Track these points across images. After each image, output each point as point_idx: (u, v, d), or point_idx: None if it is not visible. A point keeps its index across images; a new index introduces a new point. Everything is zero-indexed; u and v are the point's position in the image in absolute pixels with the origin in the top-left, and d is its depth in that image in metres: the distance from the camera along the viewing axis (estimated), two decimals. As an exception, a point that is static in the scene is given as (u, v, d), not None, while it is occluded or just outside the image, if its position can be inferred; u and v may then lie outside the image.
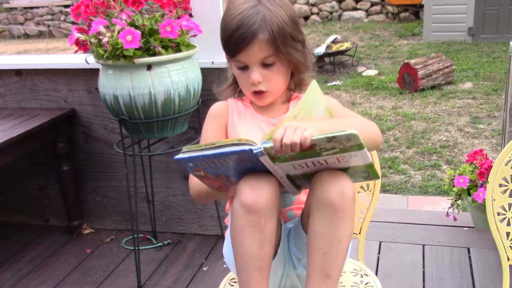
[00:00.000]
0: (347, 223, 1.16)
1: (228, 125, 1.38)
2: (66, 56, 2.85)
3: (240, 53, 1.24)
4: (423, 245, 2.45)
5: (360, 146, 1.05)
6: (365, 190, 1.59)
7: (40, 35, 13.25)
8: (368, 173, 1.16)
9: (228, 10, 1.26)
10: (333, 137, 1.04)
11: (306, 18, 12.07)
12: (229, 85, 1.41)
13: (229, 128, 1.37)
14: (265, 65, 1.26)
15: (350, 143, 1.05)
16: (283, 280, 1.36)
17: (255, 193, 1.14)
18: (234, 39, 1.23)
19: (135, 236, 2.31)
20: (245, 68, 1.28)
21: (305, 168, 1.15)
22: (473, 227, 2.60)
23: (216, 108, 1.41)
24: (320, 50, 7.35)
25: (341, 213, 1.14)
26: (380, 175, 1.20)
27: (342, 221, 1.15)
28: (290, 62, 1.28)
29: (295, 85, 1.37)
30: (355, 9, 11.90)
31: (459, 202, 2.59)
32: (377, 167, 1.58)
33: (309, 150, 1.08)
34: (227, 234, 1.32)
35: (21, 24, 13.69)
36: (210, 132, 1.38)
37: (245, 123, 1.36)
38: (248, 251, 1.16)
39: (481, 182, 2.41)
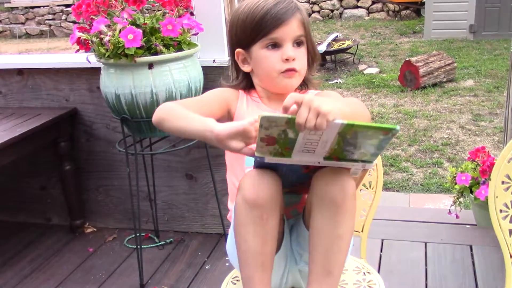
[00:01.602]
0: (348, 220, 1.16)
1: (236, 111, 1.36)
2: (67, 55, 2.85)
3: (278, 28, 1.25)
4: (425, 243, 2.45)
5: (291, 120, 1.00)
6: (367, 188, 1.59)
7: (41, 34, 13.26)
8: (378, 129, 1.02)
9: (252, 2, 1.27)
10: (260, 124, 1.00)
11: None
12: (240, 81, 1.39)
13: (236, 114, 1.36)
14: (297, 44, 1.29)
15: (275, 125, 1.01)
16: (285, 275, 1.36)
17: (257, 188, 1.14)
18: (274, 13, 1.24)
19: (137, 234, 2.31)
20: (275, 46, 1.27)
21: (317, 149, 1.09)
22: (475, 225, 2.60)
23: (227, 92, 1.38)
24: (321, 48, 7.35)
25: (342, 210, 1.14)
26: (395, 126, 1.01)
27: (343, 217, 1.15)
28: (310, 48, 1.32)
29: (303, 80, 1.38)
30: (356, 7, 11.89)
31: (461, 199, 2.59)
32: (379, 164, 1.58)
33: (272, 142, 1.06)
34: (230, 230, 1.32)
35: (22, 23, 13.70)
36: (210, 99, 1.34)
37: (252, 112, 1.35)
38: (251, 246, 1.16)
39: (483, 179, 2.41)
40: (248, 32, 1.28)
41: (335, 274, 1.17)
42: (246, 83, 1.38)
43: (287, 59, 1.27)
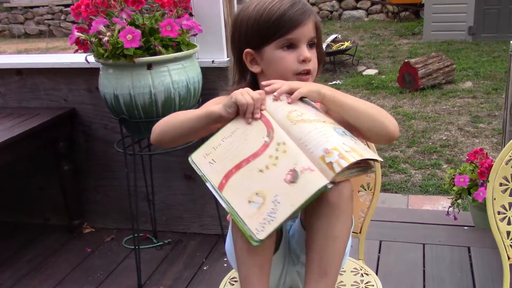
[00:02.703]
0: (344, 221, 1.16)
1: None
2: (66, 56, 2.85)
3: (296, 29, 1.23)
4: (424, 244, 2.45)
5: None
6: (365, 189, 1.59)
7: (40, 34, 13.25)
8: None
9: (263, 1, 1.25)
10: None
11: (306, 17, 12.06)
12: (248, 83, 1.36)
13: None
14: (309, 46, 1.28)
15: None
16: (282, 276, 1.36)
17: None
18: (292, 14, 1.23)
19: (136, 235, 2.31)
20: (291, 47, 1.26)
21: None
22: (473, 226, 2.60)
23: (224, 100, 1.32)
24: (320, 49, 7.35)
25: (337, 211, 1.14)
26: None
27: (338, 218, 1.15)
28: (319, 50, 1.31)
29: None
30: (355, 8, 11.91)
31: (459, 201, 2.59)
32: (378, 166, 1.58)
33: None
34: (230, 230, 1.32)
35: (22, 23, 13.69)
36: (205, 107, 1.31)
37: None
38: (248, 245, 1.16)
39: (481, 181, 2.41)
40: (262, 32, 1.25)
41: (331, 275, 1.17)
42: (251, 85, 1.37)
43: (303, 60, 1.26)
